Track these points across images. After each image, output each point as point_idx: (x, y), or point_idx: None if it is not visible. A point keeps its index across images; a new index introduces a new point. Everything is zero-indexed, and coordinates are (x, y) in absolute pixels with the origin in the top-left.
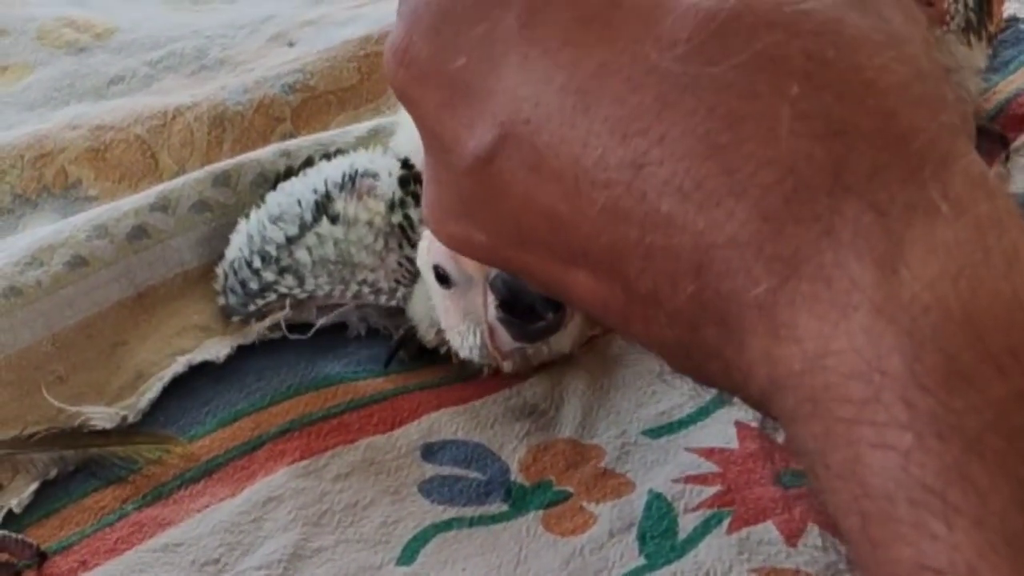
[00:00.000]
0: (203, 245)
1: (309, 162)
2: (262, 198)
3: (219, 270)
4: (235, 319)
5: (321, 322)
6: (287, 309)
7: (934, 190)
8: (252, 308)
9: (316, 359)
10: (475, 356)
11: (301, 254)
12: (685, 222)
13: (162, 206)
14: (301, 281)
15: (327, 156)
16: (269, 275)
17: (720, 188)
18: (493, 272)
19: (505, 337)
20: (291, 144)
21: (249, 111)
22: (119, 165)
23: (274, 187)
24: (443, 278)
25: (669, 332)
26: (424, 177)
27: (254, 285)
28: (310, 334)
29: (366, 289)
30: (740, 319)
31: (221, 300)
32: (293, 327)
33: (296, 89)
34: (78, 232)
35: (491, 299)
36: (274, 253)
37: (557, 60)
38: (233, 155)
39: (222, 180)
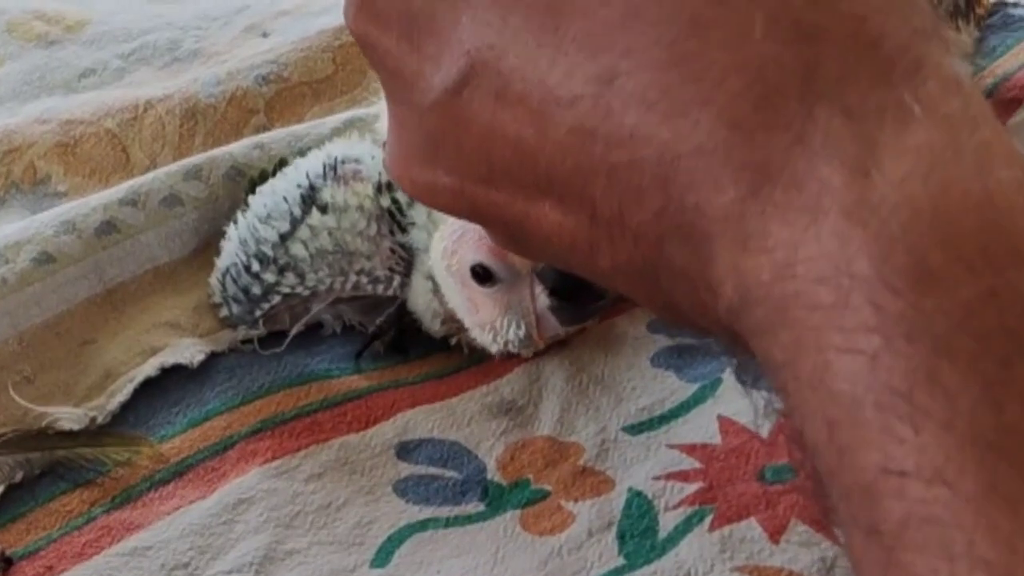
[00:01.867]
0: (174, 240)
1: (283, 163)
2: (245, 201)
3: (213, 281)
4: (241, 328)
5: (296, 328)
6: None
7: (906, 92)
8: (258, 313)
9: (289, 357)
10: (512, 348)
11: (297, 249)
12: (650, 134)
13: (132, 200)
14: (302, 277)
15: (301, 153)
16: (270, 276)
17: (686, 96)
18: (540, 263)
19: (554, 324)
20: (265, 137)
21: (222, 103)
22: (89, 160)
23: (252, 191)
24: (484, 276)
25: (636, 255)
26: (388, 126)
27: (257, 290)
28: (284, 345)
29: (364, 279)
30: (707, 232)
31: (224, 312)
32: (263, 340)
33: (270, 80)
34: (45, 228)
35: (539, 289)
36: (271, 253)
37: None
38: (205, 148)
39: (194, 174)
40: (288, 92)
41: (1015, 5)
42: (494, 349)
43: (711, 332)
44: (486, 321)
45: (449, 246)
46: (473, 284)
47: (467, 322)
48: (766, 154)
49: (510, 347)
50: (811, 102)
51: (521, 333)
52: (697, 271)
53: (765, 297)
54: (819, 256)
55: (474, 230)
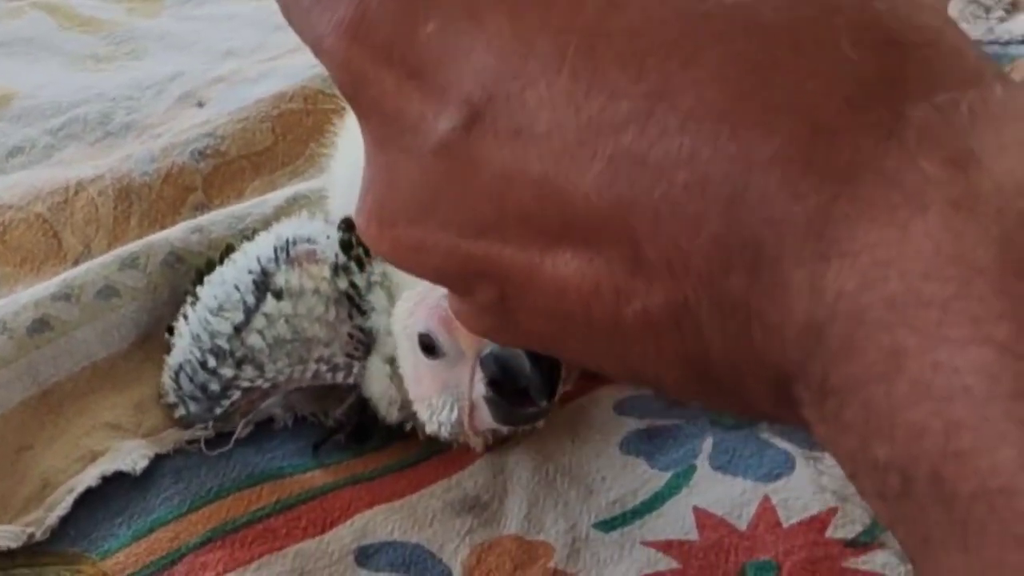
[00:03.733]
0: (112, 334)
1: (230, 249)
2: (193, 293)
3: (166, 380)
4: (199, 427)
5: (244, 426)
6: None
7: (996, 92)
8: (218, 411)
9: (238, 455)
10: (443, 432)
11: (254, 339)
12: (714, 151)
13: (65, 295)
14: (261, 369)
15: (243, 235)
16: (227, 371)
17: (758, 105)
18: (487, 348)
19: (486, 417)
20: (203, 220)
21: (157, 182)
22: (19, 248)
23: (200, 282)
24: (429, 348)
25: (676, 295)
26: (364, 181)
27: (215, 386)
28: (230, 445)
29: (323, 367)
30: (777, 251)
31: (180, 412)
32: (210, 441)
33: (207, 155)
34: None
35: (479, 376)
36: (226, 346)
37: (552, 4)
38: (141, 230)
39: (130, 263)
40: (226, 167)
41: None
42: (428, 429)
43: (743, 390)
44: (424, 395)
45: (410, 307)
46: (419, 352)
47: (411, 392)
48: (854, 155)
49: (443, 430)
50: (901, 102)
51: (453, 417)
52: (757, 301)
53: (850, 310)
54: (926, 251)
55: (434, 297)
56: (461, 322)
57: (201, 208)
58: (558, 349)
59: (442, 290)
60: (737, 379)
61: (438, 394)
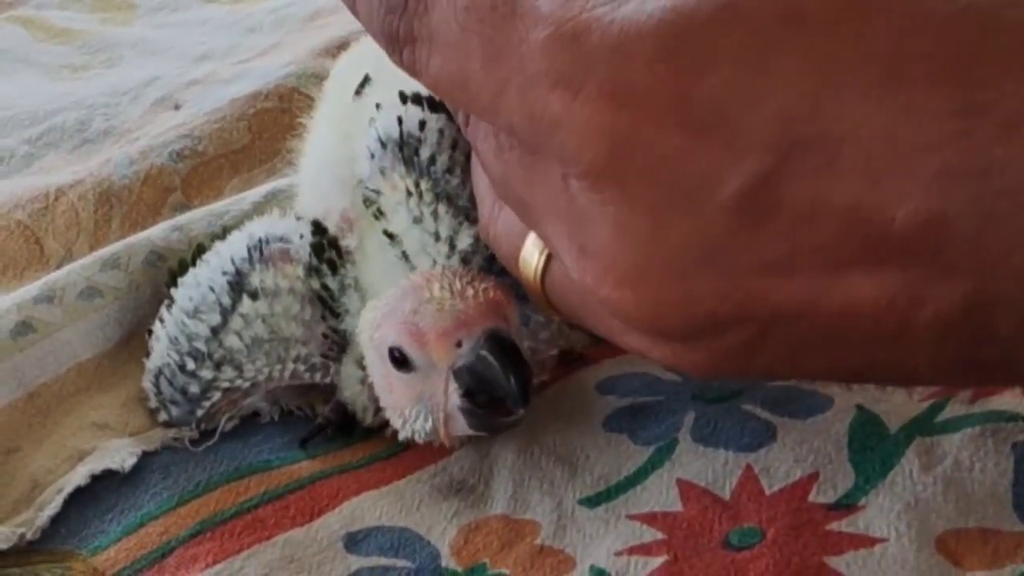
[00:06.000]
0: (95, 334)
1: (201, 249)
2: (168, 295)
3: (147, 385)
4: (183, 428)
5: (227, 420)
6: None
7: None
8: (200, 413)
9: (225, 450)
10: (418, 438)
11: (232, 341)
12: None
13: (47, 297)
14: (240, 369)
15: (224, 231)
16: (206, 373)
17: None
18: (461, 360)
19: (462, 426)
20: (183, 219)
21: (136, 184)
22: (1, 255)
23: (173, 283)
24: (401, 362)
25: (979, 292)
26: (602, 248)
27: (195, 389)
28: (215, 439)
29: (301, 367)
30: None
31: (163, 416)
32: (195, 440)
33: (184, 156)
34: None
35: (453, 387)
36: (204, 349)
37: (842, 33)
38: (122, 232)
39: (112, 263)
40: (204, 166)
41: None
42: (402, 436)
43: (1017, 361)
44: (396, 405)
45: (377, 318)
46: (389, 365)
47: (382, 400)
48: None
49: (417, 436)
50: None
51: (428, 427)
52: None
53: None
54: None
55: (402, 310)
56: (664, 363)
57: (181, 208)
58: (797, 368)
59: (410, 303)
60: (1014, 353)
61: (411, 405)
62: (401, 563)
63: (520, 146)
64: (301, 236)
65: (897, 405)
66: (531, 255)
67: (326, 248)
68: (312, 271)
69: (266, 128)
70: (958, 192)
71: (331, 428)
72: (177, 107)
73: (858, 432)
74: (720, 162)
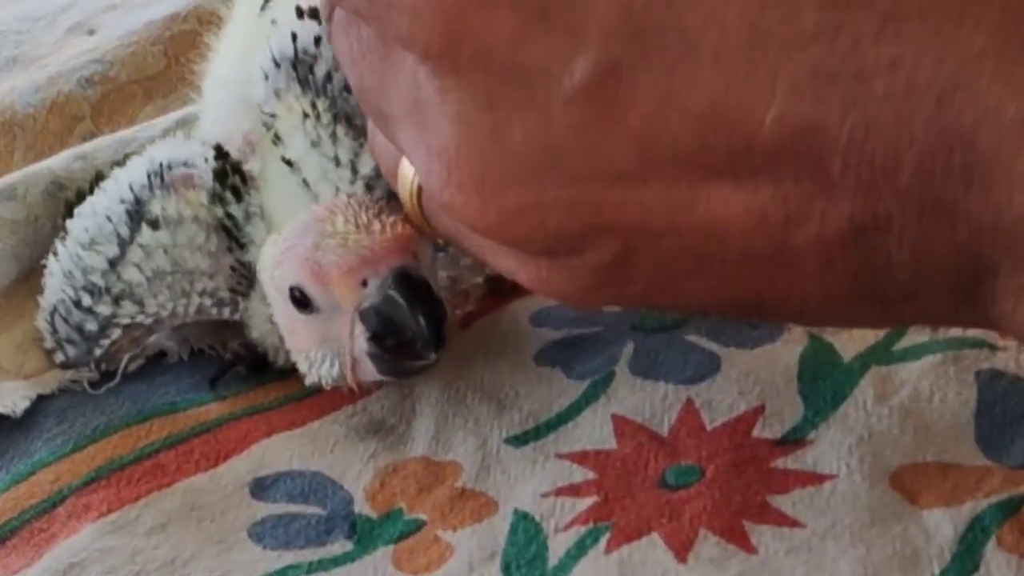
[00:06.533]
0: None
1: (100, 177)
2: (63, 227)
3: (42, 324)
4: (82, 370)
5: (130, 360)
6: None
7: None
8: (98, 352)
9: (128, 392)
10: (325, 384)
11: (131, 273)
12: (917, 54)
13: None
14: (141, 304)
15: (118, 164)
16: (104, 308)
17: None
18: (367, 301)
19: (370, 371)
20: (88, 147)
21: (42, 112)
22: None
23: (70, 214)
24: (302, 302)
25: (864, 212)
26: (443, 151)
27: (92, 326)
28: (116, 380)
29: (208, 301)
30: (996, 141)
31: (60, 357)
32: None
33: (95, 82)
34: None
35: (360, 330)
36: (101, 283)
37: None
38: (25, 163)
39: (8, 194)
40: (116, 93)
41: None
42: (308, 381)
43: (916, 297)
44: (301, 348)
45: (277, 254)
46: (291, 306)
47: (287, 342)
48: None
49: (323, 382)
50: None
51: (335, 372)
52: (970, 200)
53: None
54: None
55: (303, 246)
56: (535, 287)
57: (90, 138)
58: (675, 295)
59: (311, 238)
60: (915, 287)
61: (316, 348)
62: (311, 510)
63: (373, 50)
64: (206, 160)
65: (853, 333)
66: (408, 170)
67: (229, 174)
68: (216, 198)
69: (183, 52)
70: (835, 96)
71: (242, 366)
72: (91, 32)
73: (809, 362)
74: (560, 50)
